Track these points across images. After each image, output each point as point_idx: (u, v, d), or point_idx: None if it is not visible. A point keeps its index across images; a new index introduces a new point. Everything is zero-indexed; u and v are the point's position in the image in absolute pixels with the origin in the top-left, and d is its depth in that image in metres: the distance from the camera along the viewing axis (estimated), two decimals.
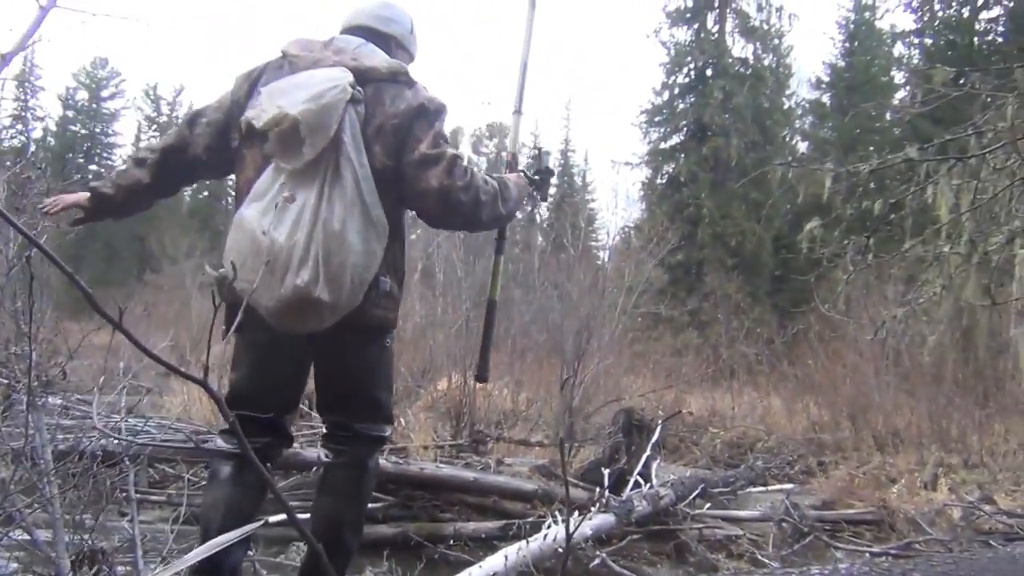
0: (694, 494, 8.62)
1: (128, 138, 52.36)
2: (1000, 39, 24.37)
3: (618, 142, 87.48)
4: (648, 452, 8.36)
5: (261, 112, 2.21)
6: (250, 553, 3.60)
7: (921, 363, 12.55)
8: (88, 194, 2.56)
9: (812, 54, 60.99)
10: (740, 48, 29.72)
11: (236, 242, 2.21)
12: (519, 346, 15.68)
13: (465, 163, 2.43)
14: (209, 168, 2.62)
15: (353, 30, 2.62)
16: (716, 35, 29.35)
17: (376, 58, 2.46)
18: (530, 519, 6.94)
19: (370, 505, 7.49)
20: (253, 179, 2.30)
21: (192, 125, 2.55)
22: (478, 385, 11.74)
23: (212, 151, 2.52)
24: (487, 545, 6.59)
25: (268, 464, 2.48)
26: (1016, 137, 1.88)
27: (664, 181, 29.84)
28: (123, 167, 2.69)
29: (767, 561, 6.44)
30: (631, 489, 7.66)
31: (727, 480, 10.09)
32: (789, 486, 10.76)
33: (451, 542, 7.14)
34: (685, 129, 29.50)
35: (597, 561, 5.92)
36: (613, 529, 6.96)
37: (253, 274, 2.04)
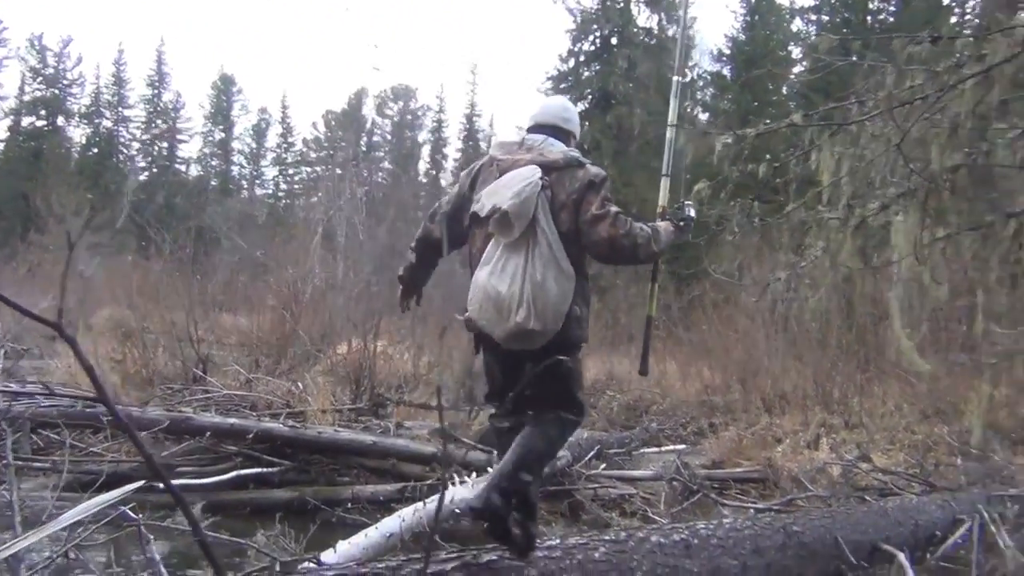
0: (590, 455, 8.81)
1: (11, 90, 49.45)
2: (891, 17, 25.34)
3: (523, 108, 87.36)
4: None
5: (483, 207, 3.18)
6: (138, 517, 3.50)
7: (808, 328, 13.06)
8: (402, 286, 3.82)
9: (715, 27, 61.99)
10: (645, 18, 30.07)
11: (475, 294, 3.17)
12: (421, 311, 15.65)
13: (624, 217, 3.24)
14: (449, 243, 3.52)
15: (540, 128, 3.53)
16: (622, 3, 29.54)
17: (556, 152, 3.35)
18: (428, 482, 6.97)
19: (266, 469, 7.42)
20: (481, 248, 3.22)
21: (432, 218, 3.58)
22: (378, 348, 11.68)
23: (448, 233, 3.49)
24: (385, 508, 6.59)
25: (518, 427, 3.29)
26: (892, 105, 1.97)
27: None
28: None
29: (658, 518, 6.63)
30: None
31: (622, 441, 10.34)
32: (681, 447, 11.11)
33: (349, 505, 7.12)
34: (590, 97, 29.69)
35: None
36: None
37: (488, 313, 3.11)
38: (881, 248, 2.62)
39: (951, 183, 2.32)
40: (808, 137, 2.28)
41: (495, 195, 3.15)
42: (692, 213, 3.82)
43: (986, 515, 5.97)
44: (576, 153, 3.41)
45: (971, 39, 2.03)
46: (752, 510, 6.73)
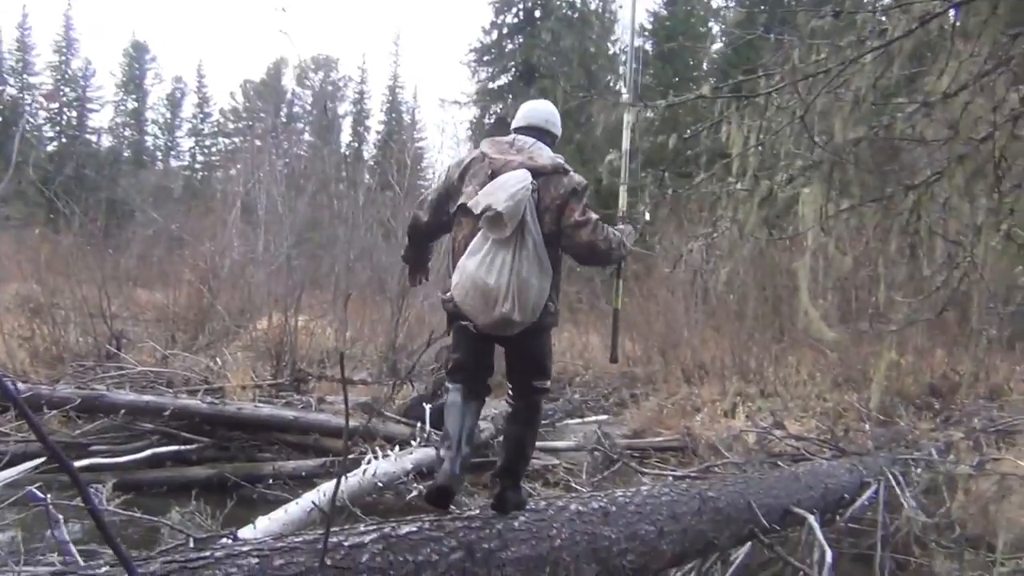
0: None
1: None
2: None
3: (447, 80, 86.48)
4: None
5: (477, 204, 3.38)
6: (45, 497, 3.40)
7: (725, 300, 13.38)
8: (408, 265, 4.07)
9: (637, 2, 62.14)
10: None
11: (462, 282, 3.38)
12: (343, 285, 15.45)
13: (602, 224, 3.55)
14: (436, 230, 3.79)
15: (528, 129, 3.77)
16: None
17: (545, 157, 3.60)
18: (351, 456, 6.94)
19: (183, 447, 7.28)
20: (467, 238, 3.44)
21: (420, 207, 3.79)
22: (300, 323, 11.53)
23: (434, 220, 3.73)
24: (307, 483, 6.54)
25: (484, 398, 3.68)
26: (797, 79, 2.03)
27: (492, 121, 29.98)
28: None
29: (579, 487, 6.73)
30: None
31: (546, 413, 10.42)
32: (603, 417, 11.30)
33: (270, 481, 7.05)
34: (513, 70, 29.66)
35: (415, 493, 5.99)
36: (434, 462, 7.06)
37: (474, 301, 3.36)
38: (789, 219, 2.70)
39: (854, 156, 2.39)
40: (718, 109, 2.32)
41: (490, 195, 3.37)
42: (648, 217, 4.11)
43: (891, 477, 6.24)
44: (561, 159, 3.67)
45: (872, 14, 2.10)
46: (670, 477, 6.87)
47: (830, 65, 2.20)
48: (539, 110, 3.89)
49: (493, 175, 3.49)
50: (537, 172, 3.50)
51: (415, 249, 3.96)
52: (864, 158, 2.48)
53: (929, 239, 2.92)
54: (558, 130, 3.91)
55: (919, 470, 6.51)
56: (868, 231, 2.82)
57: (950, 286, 2.98)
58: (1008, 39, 2.18)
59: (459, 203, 3.53)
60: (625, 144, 4.22)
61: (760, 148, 2.39)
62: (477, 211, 3.36)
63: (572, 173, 3.61)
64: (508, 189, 3.36)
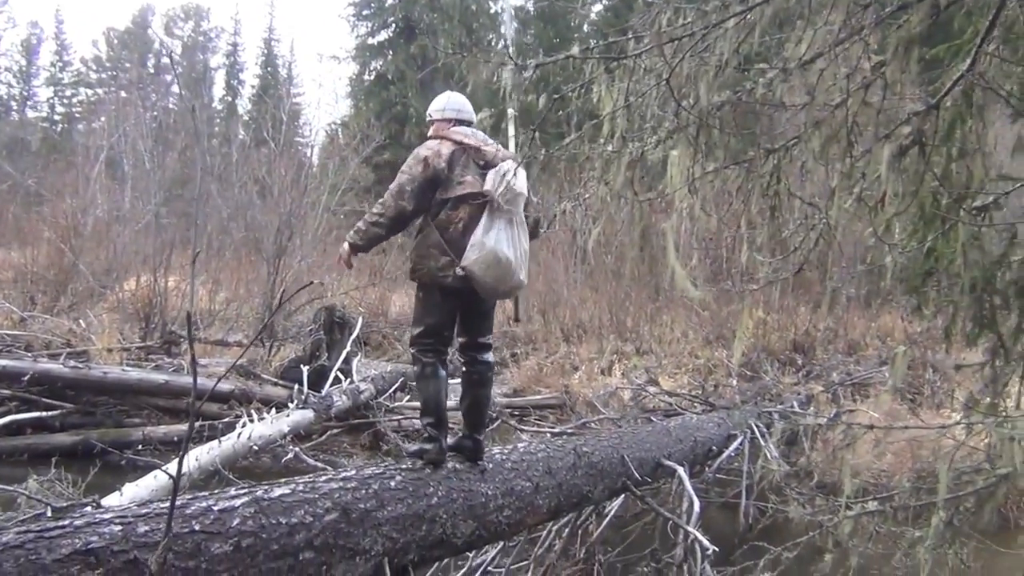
0: (393, 387, 8.87)
1: None
2: None
3: (326, 35, 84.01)
4: (349, 349, 8.42)
5: (496, 186, 3.74)
6: None
7: (603, 260, 13.66)
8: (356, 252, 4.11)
9: None
10: None
11: (484, 256, 3.72)
12: (216, 243, 14.97)
13: None
14: (414, 217, 3.95)
15: (471, 124, 4.09)
16: None
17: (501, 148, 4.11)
18: (226, 419, 6.78)
19: (44, 413, 6.96)
20: (471, 218, 3.81)
21: (402, 197, 3.86)
22: (170, 284, 11.12)
23: (417, 206, 3.89)
24: (179, 448, 6.36)
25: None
26: (663, 42, 2.07)
27: (372, 78, 29.41)
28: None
29: None
30: (331, 385, 7.70)
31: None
32: None
33: (140, 447, 6.83)
34: (393, 25, 29.07)
35: (290, 455, 5.92)
36: (312, 424, 6.99)
37: (495, 273, 3.75)
38: (661, 181, 2.78)
39: (719, 120, 2.47)
40: (588, 70, 2.35)
41: (517, 181, 3.79)
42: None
43: (755, 430, 6.56)
44: None
45: None
46: (548, 434, 7.04)
47: (695, 29, 2.25)
48: (468, 105, 4.19)
49: (486, 165, 3.87)
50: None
51: (386, 238, 4.12)
52: (728, 122, 2.56)
53: (788, 201, 3.05)
54: None
55: (781, 422, 6.86)
56: (731, 193, 2.92)
57: (807, 247, 3.12)
58: (861, 9, 2.28)
59: (465, 190, 3.83)
60: (510, 107, 4.29)
61: (628, 111, 2.44)
62: (496, 193, 3.74)
63: None
64: (520, 175, 3.81)
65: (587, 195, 3.24)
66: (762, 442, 6.41)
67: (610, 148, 2.59)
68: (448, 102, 4.14)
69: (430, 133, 4.08)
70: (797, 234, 3.09)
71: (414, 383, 9.21)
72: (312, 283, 9.53)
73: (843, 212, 2.63)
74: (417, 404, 8.38)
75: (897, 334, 11.08)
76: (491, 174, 3.82)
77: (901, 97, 2.46)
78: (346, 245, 4.04)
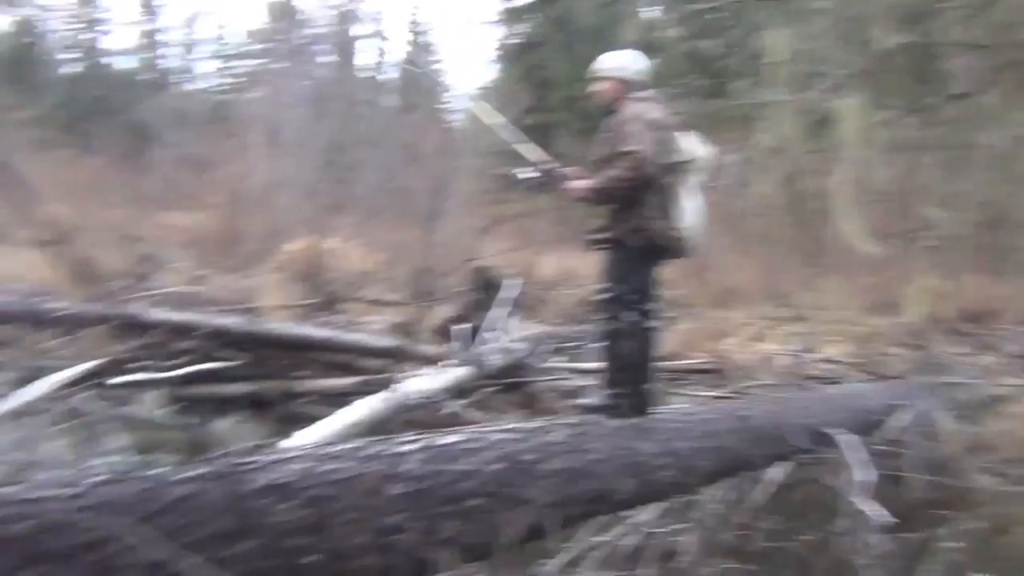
0: (546, 347, 8.94)
1: None
2: None
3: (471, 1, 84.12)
4: (503, 309, 8.53)
5: (691, 155, 4.03)
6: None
7: (755, 223, 13.25)
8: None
9: None
10: None
11: (695, 221, 4.02)
12: (370, 207, 15.47)
13: None
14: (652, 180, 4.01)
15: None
16: None
17: None
18: (386, 374, 7.03)
19: (222, 364, 7.41)
20: (678, 183, 4.00)
21: (644, 163, 3.87)
22: (329, 245, 11.61)
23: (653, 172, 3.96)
24: (342, 401, 6.63)
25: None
26: None
27: (517, 42, 29.37)
28: None
29: None
30: (486, 344, 7.85)
31: (577, 335, 10.47)
32: None
33: (305, 399, 7.19)
34: None
35: (449, 411, 6.09)
36: (469, 382, 7.15)
37: (699, 235, 4.05)
38: (827, 132, 2.65)
39: (895, 64, 2.35)
40: (755, 16, 2.26)
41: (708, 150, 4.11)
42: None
43: (926, 400, 6.25)
44: None
45: None
46: (705, 399, 6.95)
47: None
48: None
49: (671, 131, 4.05)
50: None
51: (616, 202, 4.13)
52: (904, 66, 2.42)
53: (971, 153, 2.87)
54: None
55: (950, 395, 6.50)
56: (909, 143, 2.78)
57: (993, 204, 2.94)
58: None
59: (683, 157, 4.04)
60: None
61: (799, 56, 2.34)
62: (710, 164, 4.10)
63: None
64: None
65: (751, 145, 3.15)
66: (934, 414, 6.09)
67: (774, 96, 2.50)
68: (640, 61, 4.26)
69: (628, 95, 4.10)
70: (981, 189, 2.91)
71: (566, 344, 9.31)
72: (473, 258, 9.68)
73: None
74: (570, 365, 8.51)
75: None
76: (690, 140, 4.08)
77: None
78: (582, 185, 4.18)
